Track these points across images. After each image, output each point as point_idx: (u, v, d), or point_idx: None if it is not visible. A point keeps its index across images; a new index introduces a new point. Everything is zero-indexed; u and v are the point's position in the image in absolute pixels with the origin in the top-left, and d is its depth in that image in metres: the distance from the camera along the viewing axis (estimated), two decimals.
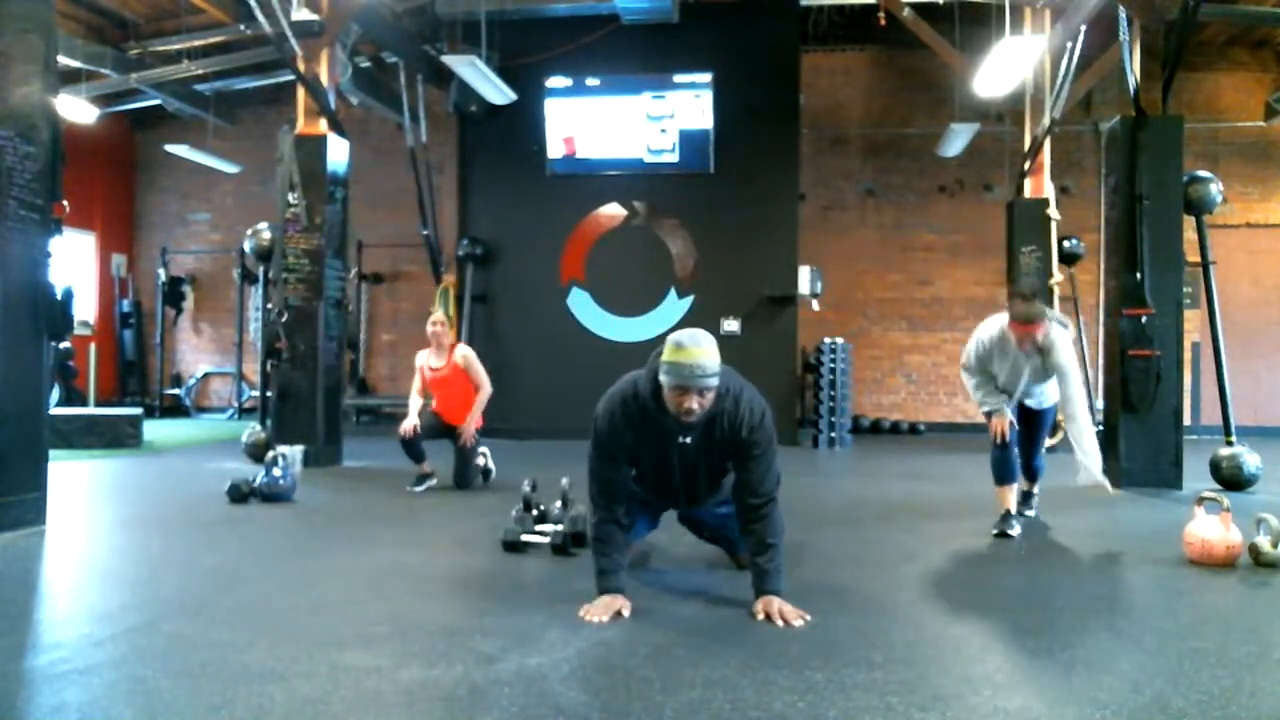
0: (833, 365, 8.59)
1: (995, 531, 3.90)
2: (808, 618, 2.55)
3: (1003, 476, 4.05)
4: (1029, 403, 4.22)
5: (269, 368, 6.62)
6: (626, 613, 2.62)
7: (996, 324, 3.98)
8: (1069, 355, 3.86)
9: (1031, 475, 4.39)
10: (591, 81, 8.88)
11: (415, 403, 5.30)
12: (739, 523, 2.80)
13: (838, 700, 2.00)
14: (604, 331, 8.99)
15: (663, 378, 2.60)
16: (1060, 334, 3.88)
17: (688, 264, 8.95)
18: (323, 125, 6.57)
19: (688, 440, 2.75)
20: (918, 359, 10.52)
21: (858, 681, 2.12)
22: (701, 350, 2.57)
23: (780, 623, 2.53)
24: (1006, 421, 3.94)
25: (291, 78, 6.66)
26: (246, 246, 7.55)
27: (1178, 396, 5.60)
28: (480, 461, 5.34)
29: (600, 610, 2.60)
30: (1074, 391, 3.83)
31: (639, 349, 8.83)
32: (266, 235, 7.14)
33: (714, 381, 2.60)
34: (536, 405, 8.95)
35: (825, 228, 10.45)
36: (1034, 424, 4.31)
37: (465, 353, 5.39)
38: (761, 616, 2.58)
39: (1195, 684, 2.13)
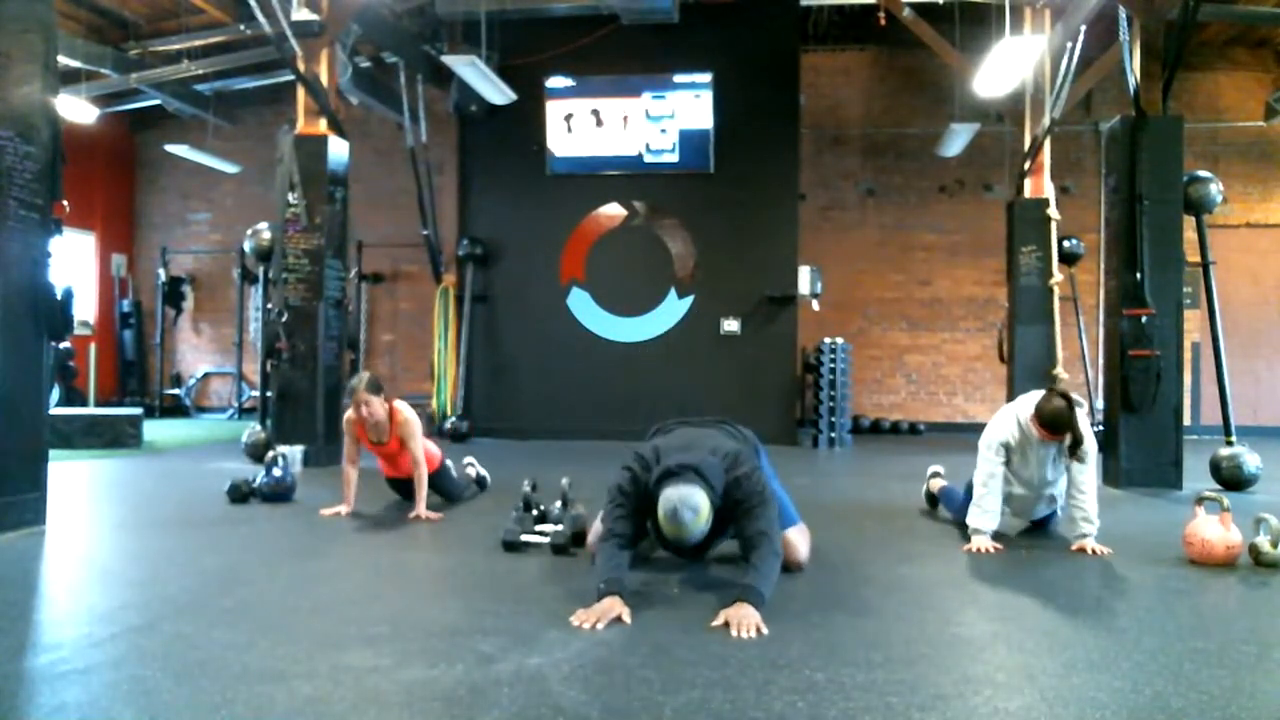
0: (833, 365, 8.59)
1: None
2: (764, 631, 2.49)
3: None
4: (1036, 515, 4.04)
5: (269, 368, 6.62)
6: (627, 618, 2.58)
7: (1016, 416, 3.73)
8: (1090, 439, 3.62)
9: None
10: (591, 81, 8.88)
11: (352, 478, 4.41)
12: (741, 548, 2.91)
13: (838, 700, 2.00)
14: (604, 331, 8.99)
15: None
16: (1084, 421, 3.60)
17: (688, 264, 8.95)
18: (323, 125, 6.57)
19: None
20: (918, 359, 10.53)
21: (858, 681, 2.12)
22: (686, 529, 2.75)
23: (735, 633, 2.47)
24: (990, 547, 3.63)
25: (291, 78, 6.66)
26: (246, 246, 7.55)
27: (1178, 396, 5.60)
28: (471, 472, 5.26)
29: (595, 615, 2.56)
30: (1090, 486, 3.62)
31: (639, 349, 8.98)
32: (266, 235, 7.14)
33: (700, 538, 2.84)
34: (536, 405, 8.96)
35: (825, 228, 10.45)
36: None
37: (405, 419, 4.36)
38: (720, 623, 2.54)
39: (1195, 684, 2.13)
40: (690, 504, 2.73)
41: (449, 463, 4.86)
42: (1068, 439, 3.58)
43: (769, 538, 2.78)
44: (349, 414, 4.36)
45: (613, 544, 2.84)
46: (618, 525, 2.89)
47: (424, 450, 4.44)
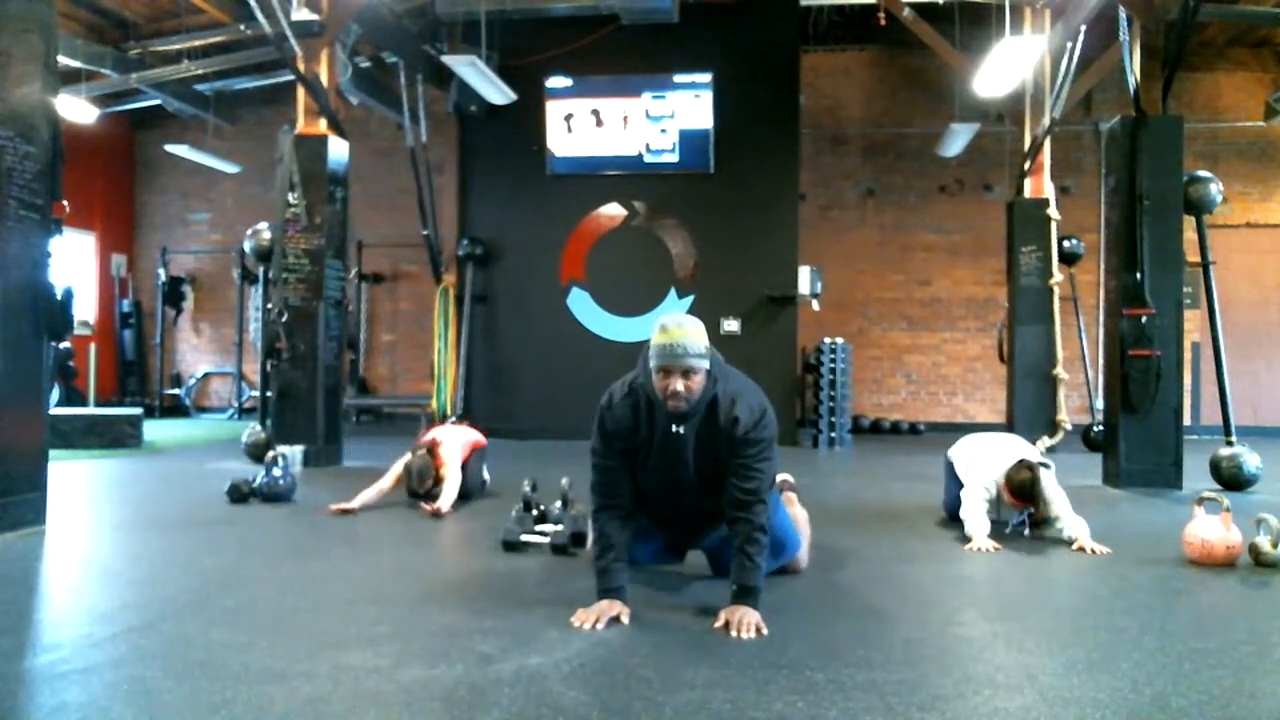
0: (833, 365, 8.59)
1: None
2: (765, 631, 2.47)
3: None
4: None
5: (269, 368, 6.62)
6: (625, 619, 2.56)
7: (994, 472, 3.88)
8: (1058, 495, 3.77)
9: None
10: (591, 81, 8.89)
11: (373, 495, 4.54)
12: (727, 511, 2.69)
13: (838, 700, 2.00)
14: (604, 331, 8.99)
15: (650, 361, 2.61)
16: (1050, 483, 3.77)
17: (688, 264, 8.95)
18: (323, 125, 6.57)
19: (681, 430, 2.67)
20: (918, 359, 10.53)
21: (858, 682, 2.12)
22: (684, 330, 2.57)
23: (735, 633, 2.44)
24: (990, 546, 3.67)
25: (291, 78, 6.66)
26: (246, 246, 7.55)
27: (1178, 396, 5.60)
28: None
29: (594, 615, 2.54)
30: (1064, 509, 3.75)
31: (639, 349, 8.91)
32: (266, 235, 7.13)
33: (698, 363, 2.58)
34: (536, 405, 8.96)
35: (825, 228, 10.45)
36: None
37: (447, 463, 4.62)
38: (720, 624, 2.51)
39: (1195, 684, 2.13)
40: (691, 318, 2.63)
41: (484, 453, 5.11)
42: (1031, 508, 3.84)
43: (764, 505, 2.64)
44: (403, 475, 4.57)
45: (607, 518, 2.72)
46: (605, 490, 2.73)
47: (469, 443, 4.86)
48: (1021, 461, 3.82)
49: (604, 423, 2.74)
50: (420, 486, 4.58)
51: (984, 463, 3.98)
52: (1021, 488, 3.77)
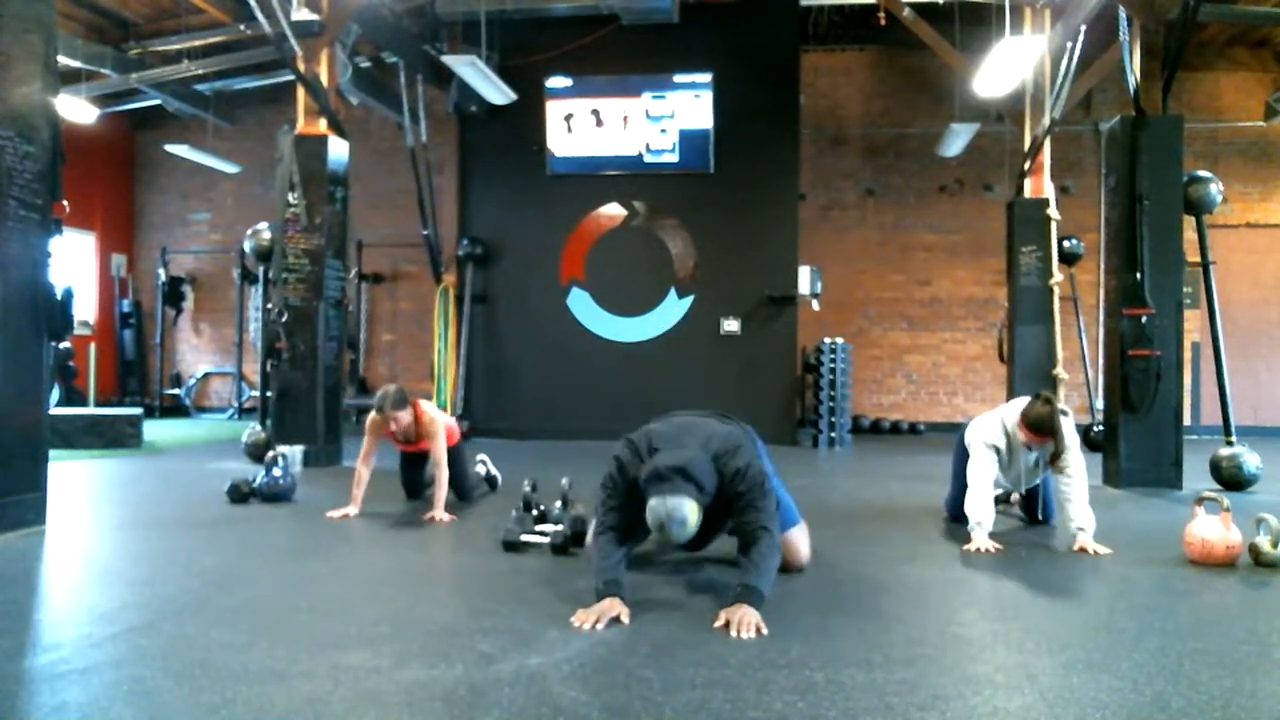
0: (833, 365, 8.59)
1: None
2: (765, 631, 2.48)
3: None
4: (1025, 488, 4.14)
5: (269, 368, 6.62)
6: (625, 619, 2.58)
7: (1002, 422, 3.85)
8: (1076, 451, 3.70)
9: (1044, 518, 4.25)
10: (591, 81, 8.89)
11: (364, 478, 4.37)
12: (739, 542, 2.86)
13: (838, 700, 2.00)
14: (604, 331, 8.99)
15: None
16: (1068, 427, 3.71)
17: (688, 264, 8.95)
18: (323, 125, 6.57)
19: None
20: (918, 359, 10.53)
21: (858, 681, 2.12)
22: (674, 538, 2.68)
23: (735, 633, 2.46)
24: (989, 547, 3.62)
25: (291, 78, 6.66)
26: (246, 246, 7.55)
27: (1178, 396, 5.60)
28: (481, 470, 5.26)
29: (594, 615, 2.56)
30: (1079, 486, 3.67)
31: (639, 349, 8.98)
32: (266, 235, 7.13)
33: (694, 537, 2.75)
34: (536, 405, 8.96)
35: (825, 228, 10.45)
36: (1034, 493, 4.22)
37: (430, 419, 4.42)
38: (720, 624, 2.53)
39: (1195, 684, 2.13)
40: (678, 517, 2.61)
41: (464, 445, 4.89)
42: (1051, 444, 3.70)
43: (768, 531, 2.75)
44: (375, 418, 4.36)
45: (608, 538, 2.83)
46: (610, 517, 2.86)
47: (447, 425, 4.55)
48: (1039, 395, 3.73)
49: (625, 469, 2.86)
50: (391, 416, 4.26)
51: (995, 419, 3.90)
52: (1040, 422, 3.65)
